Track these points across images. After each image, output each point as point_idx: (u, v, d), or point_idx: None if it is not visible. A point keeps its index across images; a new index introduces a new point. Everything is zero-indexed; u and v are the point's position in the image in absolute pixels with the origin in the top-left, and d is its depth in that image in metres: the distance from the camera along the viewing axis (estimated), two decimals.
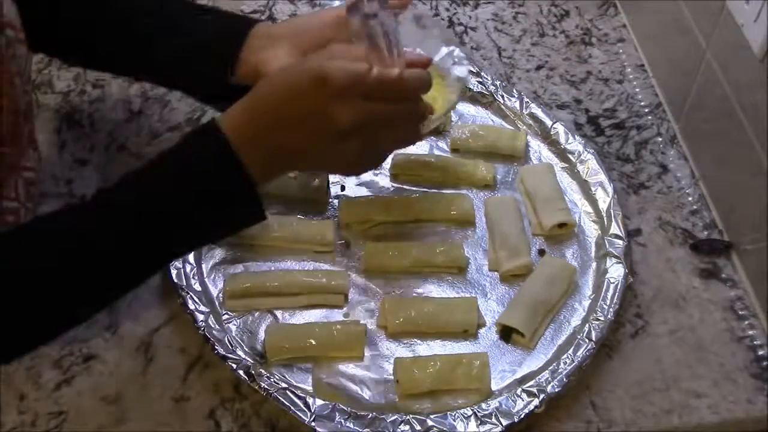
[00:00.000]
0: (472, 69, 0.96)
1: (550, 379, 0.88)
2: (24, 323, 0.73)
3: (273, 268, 0.97)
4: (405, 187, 1.04)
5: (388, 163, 1.05)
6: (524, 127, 1.09)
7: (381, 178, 1.05)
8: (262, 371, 0.88)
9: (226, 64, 0.90)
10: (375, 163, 0.83)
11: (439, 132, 1.07)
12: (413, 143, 0.83)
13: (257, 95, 0.75)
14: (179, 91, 1.04)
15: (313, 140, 0.74)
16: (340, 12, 0.89)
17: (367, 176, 1.04)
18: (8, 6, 0.78)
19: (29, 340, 0.76)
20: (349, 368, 0.90)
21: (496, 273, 0.97)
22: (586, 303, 0.95)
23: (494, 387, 0.89)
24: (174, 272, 0.93)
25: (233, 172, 0.73)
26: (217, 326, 0.91)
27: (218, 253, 0.98)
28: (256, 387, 0.86)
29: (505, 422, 0.85)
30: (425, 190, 1.04)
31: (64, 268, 0.72)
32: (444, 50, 0.96)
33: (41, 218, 0.77)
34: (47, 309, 0.73)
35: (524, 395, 0.87)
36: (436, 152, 1.08)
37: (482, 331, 0.93)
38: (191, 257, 0.95)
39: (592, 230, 1.01)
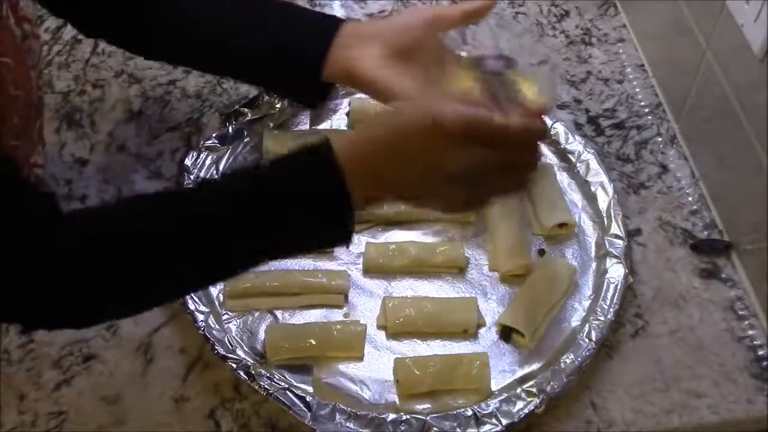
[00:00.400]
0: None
1: (550, 379, 0.88)
2: (118, 289, 0.73)
3: (273, 268, 0.96)
4: None
5: None
6: None
7: None
8: (262, 371, 0.88)
9: (315, 61, 0.88)
10: (476, 209, 0.82)
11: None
12: (519, 193, 0.81)
13: (373, 129, 0.75)
14: (263, 87, 1.04)
15: (421, 181, 0.73)
16: (431, 13, 0.87)
17: None
18: (25, 1, 0.79)
19: (114, 308, 0.76)
20: (349, 368, 0.90)
21: (496, 273, 0.97)
22: (586, 303, 0.95)
23: (494, 387, 0.89)
24: None
25: (338, 194, 0.72)
26: (217, 326, 0.91)
27: None
28: (256, 387, 0.87)
29: (505, 422, 0.85)
30: None
31: (162, 244, 0.72)
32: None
33: (142, 197, 0.78)
34: (138, 280, 0.73)
35: (524, 395, 0.87)
36: None
37: (482, 331, 0.93)
38: None
39: (592, 230, 1.01)
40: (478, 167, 0.71)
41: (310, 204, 0.73)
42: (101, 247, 0.71)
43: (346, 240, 0.75)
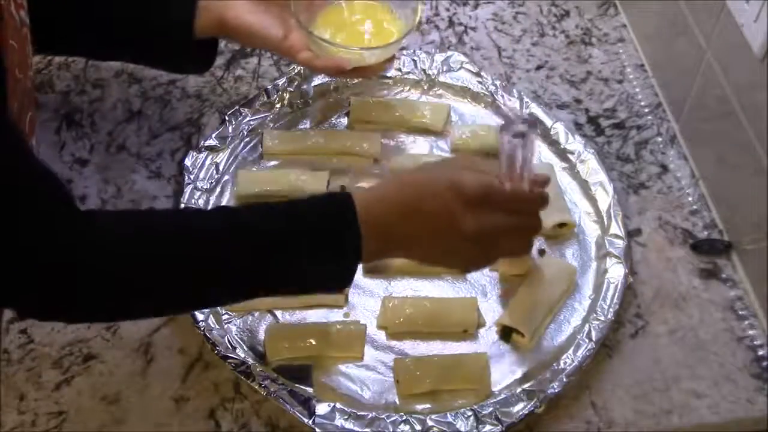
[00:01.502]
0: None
1: (550, 379, 0.88)
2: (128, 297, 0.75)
3: None
4: None
5: (388, 163, 1.05)
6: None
7: (381, 177, 1.05)
8: (262, 371, 0.88)
9: (186, 14, 0.93)
10: (483, 266, 0.89)
11: (392, 62, 1.01)
12: (524, 254, 0.88)
13: (395, 184, 0.82)
14: (145, 63, 1.06)
15: (435, 237, 0.80)
16: None
17: (366, 175, 1.05)
18: None
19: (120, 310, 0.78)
20: (349, 368, 0.90)
21: (496, 273, 0.97)
22: (586, 303, 0.95)
23: (494, 387, 0.89)
24: None
25: (349, 238, 0.77)
26: (217, 326, 0.91)
27: None
28: (256, 387, 0.87)
29: (505, 422, 0.85)
30: None
31: (175, 264, 0.75)
32: None
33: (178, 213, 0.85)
34: (143, 292, 0.75)
35: (524, 395, 0.87)
36: (436, 152, 1.08)
37: (482, 331, 0.93)
38: None
39: (592, 230, 1.01)
40: (492, 228, 0.80)
41: (321, 243, 0.78)
42: (121, 249, 0.73)
43: (343, 286, 0.83)
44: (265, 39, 0.95)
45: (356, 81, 1.10)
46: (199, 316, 0.90)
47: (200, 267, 0.75)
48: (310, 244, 0.77)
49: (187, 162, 1.03)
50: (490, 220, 0.79)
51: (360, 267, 0.95)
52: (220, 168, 1.04)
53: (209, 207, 1.01)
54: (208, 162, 1.04)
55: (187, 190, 1.01)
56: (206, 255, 0.75)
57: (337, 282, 0.81)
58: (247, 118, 1.08)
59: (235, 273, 0.77)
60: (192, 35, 0.95)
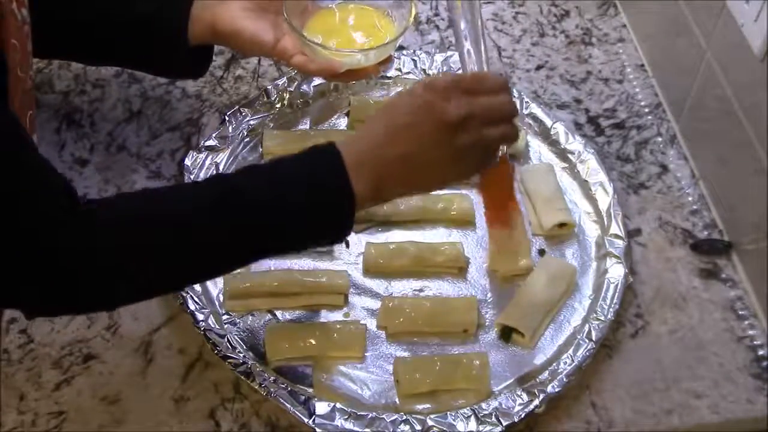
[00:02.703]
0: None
1: (550, 379, 0.88)
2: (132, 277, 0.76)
3: (273, 268, 0.97)
4: None
5: None
6: (524, 127, 1.09)
7: None
8: (262, 371, 0.88)
9: (180, 21, 0.93)
10: (484, 161, 0.84)
11: (386, 64, 1.02)
12: (514, 138, 0.84)
13: (369, 119, 0.82)
14: (138, 69, 1.07)
15: (425, 141, 0.78)
16: None
17: None
18: None
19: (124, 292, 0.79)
20: (349, 368, 0.90)
21: (496, 273, 0.97)
22: (586, 303, 0.95)
23: (494, 387, 0.89)
24: None
25: (339, 183, 0.77)
26: (217, 326, 0.91)
27: None
28: (256, 387, 0.87)
29: (505, 422, 0.85)
30: None
31: (174, 235, 0.76)
32: None
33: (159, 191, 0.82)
34: (152, 266, 0.76)
35: (524, 395, 0.87)
36: None
37: (482, 331, 0.93)
38: None
39: (592, 230, 1.01)
40: (472, 110, 0.78)
41: (313, 193, 0.77)
42: (120, 232, 0.74)
43: (343, 235, 0.81)
44: (258, 44, 0.95)
45: (356, 81, 1.10)
46: (199, 316, 0.90)
47: (199, 242, 0.76)
48: (304, 202, 0.77)
49: (187, 162, 1.03)
50: (469, 102, 0.78)
51: (360, 267, 0.97)
52: (220, 168, 1.04)
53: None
54: (208, 162, 1.04)
55: None
56: (204, 231, 0.76)
57: (336, 232, 0.81)
58: (247, 118, 1.08)
59: (234, 243, 0.78)
60: (185, 42, 0.95)
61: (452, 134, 0.78)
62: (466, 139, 0.79)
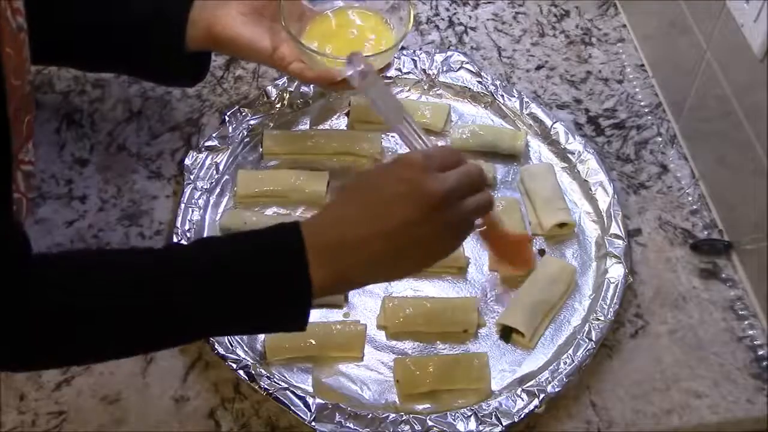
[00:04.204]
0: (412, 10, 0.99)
1: (550, 379, 0.88)
2: (56, 346, 0.72)
3: None
4: None
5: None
6: (524, 127, 1.09)
7: None
8: (262, 371, 0.88)
9: (178, 27, 0.93)
10: (462, 235, 0.79)
11: (384, 72, 1.02)
12: (490, 207, 0.80)
13: (339, 195, 0.78)
14: (135, 76, 1.07)
15: (410, 218, 0.73)
16: None
17: None
18: None
19: (53, 358, 0.76)
20: (349, 368, 0.90)
21: (496, 273, 0.97)
22: (586, 303, 0.95)
23: (494, 387, 0.89)
24: None
25: (298, 279, 0.72)
26: None
27: None
28: (256, 387, 0.87)
29: (505, 422, 0.85)
30: None
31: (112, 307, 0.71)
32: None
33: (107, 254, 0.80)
34: (86, 341, 0.73)
35: (524, 395, 0.87)
36: None
37: (482, 331, 0.93)
38: None
39: (592, 230, 1.01)
40: (454, 184, 0.75)
41: (268, 287, 0.73)
42: (62, 296, 0.70)
43: (297, 326, 0.75)
44: (256, 51, 0.95)
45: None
46: None
47: (141, 321, 0.72)
48: (256, 291, 0.73)
49: (187, 162, 1.03)
50: (446, 177, 0.75)
51: None
52: (220, 168, 1.04)
53: (209, 207, 1.01)
54: (208, 162, 1.04)
55: (187, 190, 1.01)
56: (147, 312, 0.72)
57: (290, 323, 0.75)
58: (247, 118, 1.08)
59: (178, 325, 0.74)
60: (182, 49, 0.94)
61: (438, 210, 0.74)
62: (452, 214, 0.75)
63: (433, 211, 0.74)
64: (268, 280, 0.72)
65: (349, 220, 0.74)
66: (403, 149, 1.01)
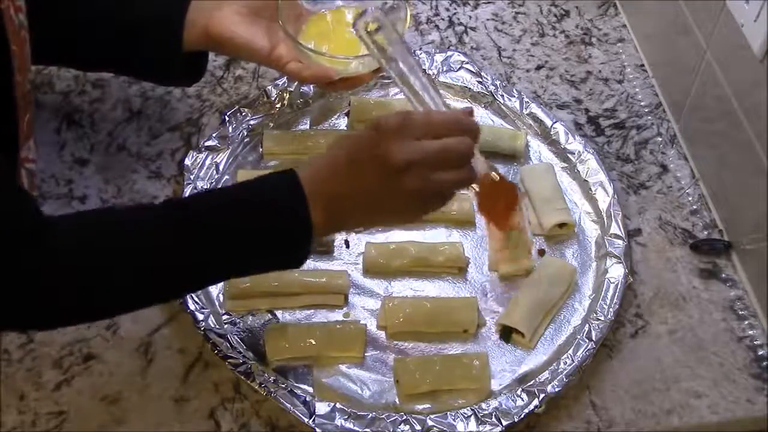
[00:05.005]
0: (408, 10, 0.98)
1: (550, 379, 0.88)
2: (77, 298, 0.76)
3: None
4: None
5: None
6: (524, 127, 1.09)
7: None
8: (262, 371, 0.88)
9: (175, 29, 0.93)
10: (435, 204, 0.82)
11: (381, 71, 1.03)
12: (468, 183, 0.82)
13: (324, 153, 0.81)
14: (132, 76, 1.07)
15: (372, 181, 0.78)
16: None
17: None
18: None
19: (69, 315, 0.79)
20: (349, 368, 0.90)
21: (496, 273, 0.97)
22: (586, 303, 0.95)
23: (494, 387, 0.89)
24: None
25: (297, 205, 0.77)
26: (217, 326, 0.91)
27: None
28: (256, 387, 0.87)
29: (505, 422, 0.85)
30: None
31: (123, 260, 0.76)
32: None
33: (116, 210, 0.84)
34: (108, 289, 0.76)
35: (524, 395, 0.87)
36: None
37: (482, 331, 0.93)
38: None
39: (592, 230, 1.01)
40: (421, 154, 0.77)
41: (270, 221, 0.78)
42: (79, 254, 0.74)
43: (299, 260, 0.80)
44: (253, 51, 0.95)
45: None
46: (199, 316, 0.91)
47: (156, 267, 0.76)
48: (263, 228, 0.78)
49: (187, 162, 1.03)
50: (415, 146, 0.77)
51: (360, 267, 0.97)
52: (220, 168, 1.04)
53: None
54: (208, 162, 1.04)
55: (187, 190, 1.01)
56: (161, 257, 0.76)
57: (293, 258, 0.80)
58: (247, 118, 1.08)
59: (191, 268, 0.78)
60: (180, 49, 0.95)
61: (396, 178, 0.77)
62: (412, 184, 0.77)
63: (394, 177, 0.77)
64: (274, 215, 0.78)
65: (327, 174, 0.79)
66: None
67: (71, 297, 0.74)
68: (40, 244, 0.72)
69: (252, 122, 1.08)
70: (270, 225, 0.78)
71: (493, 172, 0.86)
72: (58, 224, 0.75)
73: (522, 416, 0.86)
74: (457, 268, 0.97)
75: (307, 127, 1.10)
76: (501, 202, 0.91)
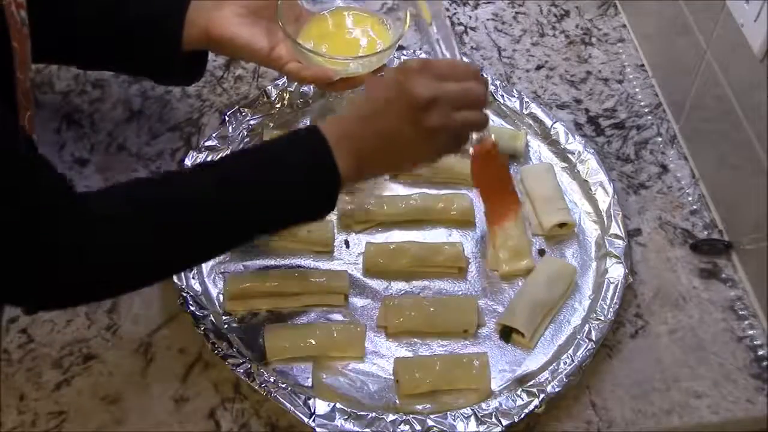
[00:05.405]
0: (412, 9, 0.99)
1: (550, 379, 0.88)
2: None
3: (273, 267, 0.97)
4: (405, 187, 1.04)
5: None
6: (524, 127, 1.09)
7: (381, 178, 1.05)
8: (262, 371, 0.88)
9: (175, 25, 0.93)
10: (453, 144, 0.86)
11: (380, 72, 1.04)
12: (483, 125, 0.88)
13: (351, 99, 0.88)
14: (132, 74, 1.08)
15: (396, 119, 0.82)
16: None
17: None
18: None
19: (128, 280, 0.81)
20: (349, 368, 0.90)
21: (496, 273, 0.97)
22: (586, 303, 0.95)
23: (494, 387, 0.89)
24: None
25: (324, 159, 0.80)
26: (217, 326, 0.91)
27: None
28: (256, 387, 0.87)
29: (505, 422, 0.85)
30: (425, 190, 1.04)
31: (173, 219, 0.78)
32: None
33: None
34: (148, 255, 0.78)
35: (524, 395, 0.87)
36: None
37: (482, 331, 0.93)
38: None
39: (592, 230, 1.01)
40: (445, 92, 0.82)
41: (299, 170, 0.81)
42: (117, 226, 0.76)
43: (327, 209, 0.83)
44: (252, 51, 0.95)
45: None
46: (199, 316, 0.90)
47: (195, 232, 0.79)
48: (296, 181, 0.81)
49: (187, 162, 1.03)
50: (438, 85, 0.82)
51: (360, 267, 0.97)
52: None
53: None
54: None
55: None
56: (200, 220, 0.79)
57: (322, 208, 0.83)
58: (247, 118, 1.08)
59: (227, 227, 0.81)
60: (179, 48, 0.95)
61: (421, 113, 0.81)
62: (434, 120, 0.81)
63: (417, 113, 0.81)
64: (303, 168, 0.81)
65: (356, 118, 0.83)
66: None
67: (119, 263, 0.76)
68: (77, 217, 0.74)
69: (252, 122, 1.08)
70: (299, 178, 0.81)
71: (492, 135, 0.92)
72: (91, 196, 0.78)
73: (522, 416, 0.86)
74: (457, 268, 0.97)
75: None
76: (495, 174, 0.94)
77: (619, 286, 0.94)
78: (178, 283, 0.93)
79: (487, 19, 1.23)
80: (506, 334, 0.93)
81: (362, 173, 0.84)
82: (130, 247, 0.76)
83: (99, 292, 0.81)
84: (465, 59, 1.13)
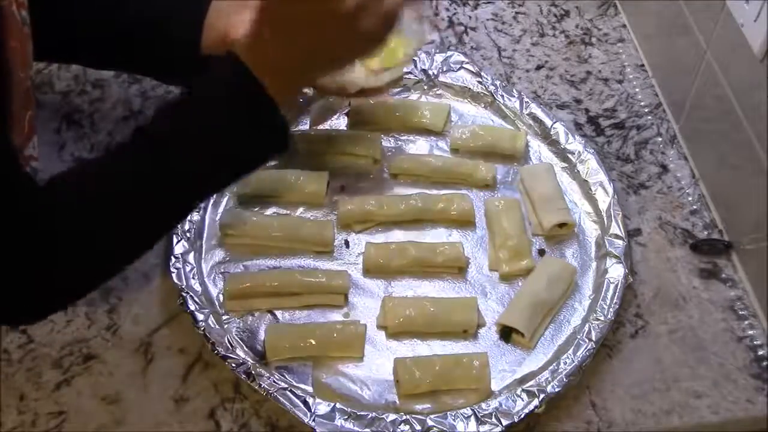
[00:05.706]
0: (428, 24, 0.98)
1: (550, 379, 0.88)
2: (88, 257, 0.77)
3: (272, 267, 0.97)
4: (405, 187, 1.04)
5: (388, 164, 1.05)
6: (524, 127, 1.09)
7: (381, 177, 1.05)
8: (262, 371, 0.88)
9: (193, 31, 0.92)
10: (379, 36, 0.82)
11: (398, 83, 1.05)
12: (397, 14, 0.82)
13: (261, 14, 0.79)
14: (148, 75, 1.06)
15: (325, 35, 0.77)
16: None
17: (366, 176, 1.05)
18: None
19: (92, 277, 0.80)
20: (349, 368, 0.90)
21: (496, 273, 0.97)
22: (586, 303, 0.95)
23: (494, 387, 0.89)
24: (174, 272, 0.93)
25: (252, 92, 0.77)
26: (217, 326, 0.91)
27: (218, 253, 0.98)
28: (256, 387, 0.87)
29: (505, 422, 0.85)
30: (425, 190, 1.04)
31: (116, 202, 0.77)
32: None
33: (89, 163, 0.84)
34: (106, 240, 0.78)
35: (524, 395, 0.87)
36: (436, 152, 1.08)
37: (482, 331, 0.93)
38: (191, 257, 0.95)
39: (592, 230, 1.01)
40: None
41: (232, 115, 0.78)
42: (79, 212, 0.76)
43: (281, 139, 0.80)
44: None
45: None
46: (199, 316, 0.90)
47: (152, 203, 0.78)
48: (229, 125, 0.78)
49: None
50: None
51: (360, 267, 0.97)
52: None
53: (209, 207, 1.01)
54: None
55: None
56: (152, 191, 0.77)
57: (277, 142, 0.81)
58: None
59: (183, 189, 0.79)
60: (197, 53, 0.93)
61: (351, 24, 0.77)
62: (369, 24, 0.78)
63: (350, 23, 0.77)
64: (234, 108, 0.78)
65: (279, 44, 0.78)
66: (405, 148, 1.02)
67: (79, 253, 0.75)
68: (38, 214, 0.74)
69: None
70: (233, 114, 0.78)
71: None
72: (44, 192, 0.76)
73: (522, 416, 0.86)
74: (457, 268, 0.97)
75: (307, 127, 1.10)
76: None
77: (619, 286, 0.94)
78: (178, 283, 0.93)
79: (487, 19, 1.23)
80: (506, 334, 0.93)
81: (296, 86, 0.82)
82: (96, 231, 0.76)
83: (82, 283, 0.80)
84: (461, 55, 1.14)
